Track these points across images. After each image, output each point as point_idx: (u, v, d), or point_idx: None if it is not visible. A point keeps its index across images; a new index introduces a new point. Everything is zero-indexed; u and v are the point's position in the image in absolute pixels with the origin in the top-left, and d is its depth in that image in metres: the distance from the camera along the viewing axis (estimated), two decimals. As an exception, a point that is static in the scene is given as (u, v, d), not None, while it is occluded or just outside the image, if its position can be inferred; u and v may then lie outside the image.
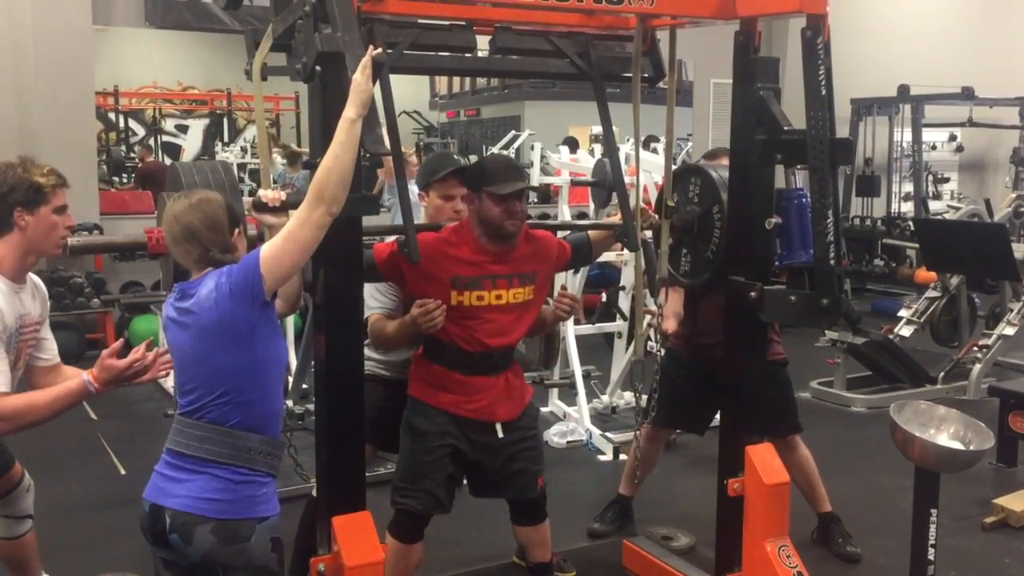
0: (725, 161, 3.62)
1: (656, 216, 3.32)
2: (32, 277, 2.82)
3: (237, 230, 2.38)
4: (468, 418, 2.98)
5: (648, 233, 3.35)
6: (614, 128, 3.28)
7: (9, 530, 3.09)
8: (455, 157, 3.28)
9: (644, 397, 3.61)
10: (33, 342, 2.80)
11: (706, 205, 3.23)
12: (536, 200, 10.94)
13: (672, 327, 3.69)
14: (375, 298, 3.08)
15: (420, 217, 3.28)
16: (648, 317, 3.86)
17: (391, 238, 3.01)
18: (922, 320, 6.85)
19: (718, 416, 3.50)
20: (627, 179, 3.75)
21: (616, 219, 3.32)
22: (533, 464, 3.11)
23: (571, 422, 5.43)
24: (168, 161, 14.02)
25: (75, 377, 2.61)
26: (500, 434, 3.00)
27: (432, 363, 3.01)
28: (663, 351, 3.66)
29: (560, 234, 3.30)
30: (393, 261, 2.90)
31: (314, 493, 3.21)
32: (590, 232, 3.36)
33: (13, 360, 2.67)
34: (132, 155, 13.56)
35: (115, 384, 2.55)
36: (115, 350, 2.55)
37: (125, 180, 12.16)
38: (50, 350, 2.90)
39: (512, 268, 2.98)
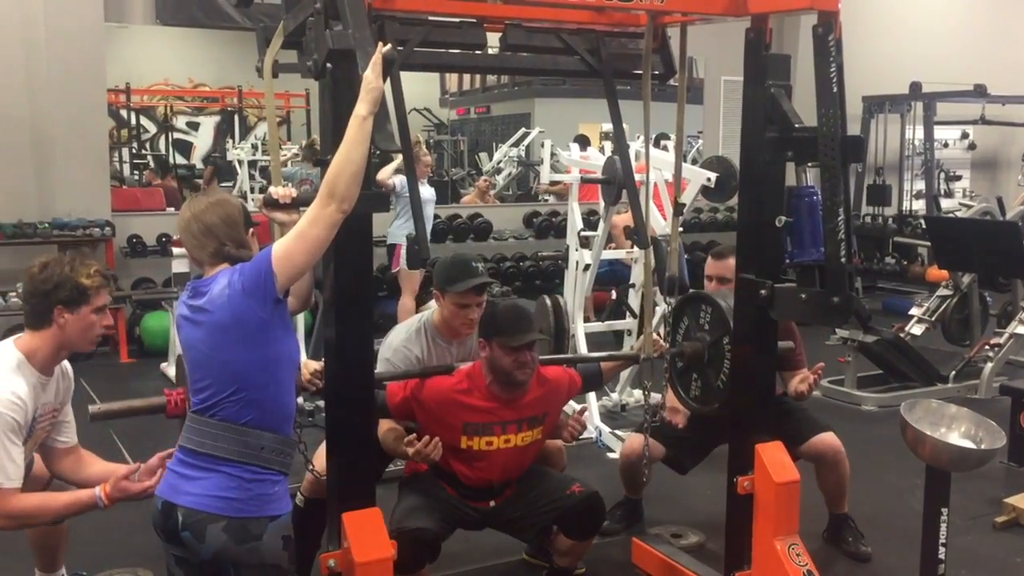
0: (733, 262, 3.58)
1: (667, 345, 3.39)
2: (62, 364, 2.87)
3: (252, 230, 2.41)
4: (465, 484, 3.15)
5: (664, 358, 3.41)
6: (624, 125, 3.28)
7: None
8: (475, 265, 3.26)
9: (655, 396, 3.61)
10: (49, 427, 2.86)
11: (716, 335, 3.27)
12: (548, 198, 10.96)
13: (682, 423, 3.72)
14: (389, 367, 3.16)
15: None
16: (656, 317, 3.86)
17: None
18: (933, 318, 6.82)
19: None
20: (637, 176, 3.75)
21: (620, 218, 3.34)
22: (555, 485, 3.21)
23: (585, 430, 5.42)
24: (180, 159, 14.08)
25: (89, 473, 2.81)
26: (492, 504, 3.18)
27: (435, 477, 3.14)
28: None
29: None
30: (406, 405, 3.02)
31: (298, 501, 3.22)
32: (602, 363, 3.48)
33: (28, 448, 2.73)
34: (144, 151, 13.60)
35: (124, 501, 2.67)
36: (130, 472, 2.64)
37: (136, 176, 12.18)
38: (68, 433, 2.96)
39: (522, 413, 3.09)
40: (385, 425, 3.05)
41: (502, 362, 2.99)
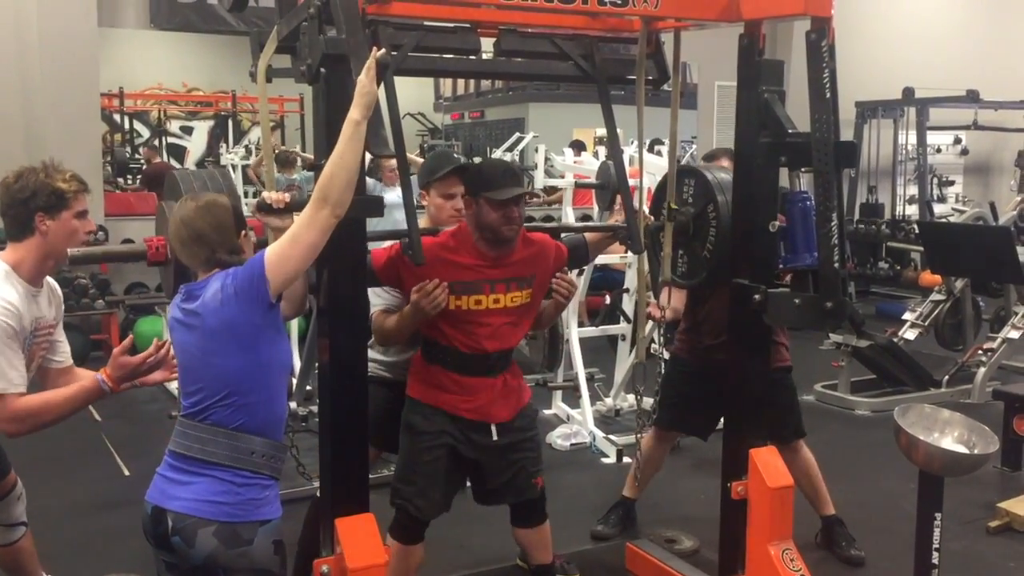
0: (725, 162, 3.63)
1: (652, 217, 3.33)
2: (49, 281, 2.83)
3: (244, 232, 2.39)
4: (464, 418, 3.01)
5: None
6: (618, 130, 3.28)
7: (2, 537, 3.09)
8: (454, 156, 3.28)
9: (647, 400, 3.61)
10: (47, 344, 2.82)
11: (700, 205, 3.24)
12: (542, 199, 10.96)
13: (669, 316, 3.64)
14: (377, 295, 3.08)
15: (421, 219, 3.28)
16: (649, 323, 3.85)
17: (388, 242, 3.01)
18: (926, 323, 6.84)
19: (722, 420, 3.50)
20: (631, 181, 3.75)
21: (613, 221, 3.32)
22: (531, 465, 3.12)
23: (574, 425, 5.43)
24: (174, 163, 14.07)
25: (89, 377, 2.64)
26: (495, 436, 3.02)
27: (430, 364, 3.04)
28: (667, 356, 3.65)
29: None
30: (392, 266, 2.91)
31: (319, 492, 3.22)
32: (586, 234, 3.37)
33: (27, 363, 2.67)
34: (137, 156, 13.59)
35: (129, 380, 2.59)
36: (125, 347, 2.59)
37: (130, 181, 12.19)
38: (63, 352, 2.92)
39: (510, 272, 3.00)
40: (375, 312, 3.01)
41: (489, 218, 2.90)
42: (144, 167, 11.91)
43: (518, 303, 3.03)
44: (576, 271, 5.55)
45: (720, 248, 3.17)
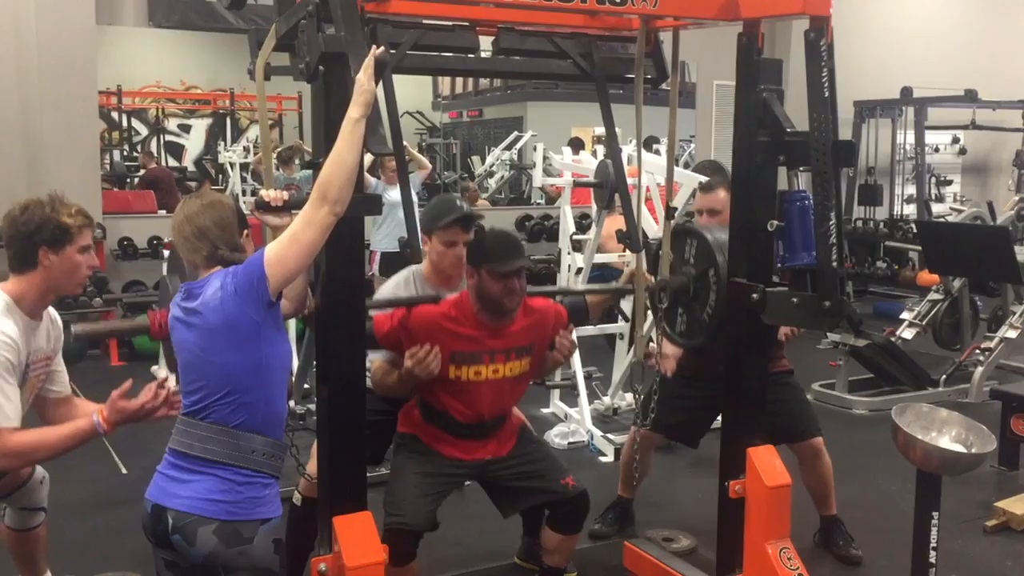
0: (722, 193, 3.64)
1: (652, 277, 3.37)
2: (49, 311, 2.84)
3: (246, 232, 2.41)
4: (461, 462, 3.11)
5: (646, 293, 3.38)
6: (617, 129, 3.28)
7: (22, 522, 3.09)
8: (458, 203, 3.28)
9: (641, 399, 3.61)
10: (43, 376, 2.84)
11: (701, 268, 3.25)
12: (542, 201, 10.97)
13: (671, 368, 3.67)
14: None
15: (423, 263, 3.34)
16: (647, 322, 3.85)
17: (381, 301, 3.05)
18: (924, 323, 6.84)
19: (718, 419, 3.50)
20: (629, 180, 3.75)
21: (613, 218, 3.33)
22: (550, 466, 3.18)
23: (572, 423, 5.43)
24: (172, 162, 14.05)
25: (85, 414, 2.65)
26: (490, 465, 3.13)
27: (425, 421, 3.11)
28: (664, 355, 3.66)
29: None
30: (393, 335, 2.97)
31: (295, 499, 3.22)
32: (588, 296, 3.45)
33: (24, 395, 2.70)
34: (136, 154, 13.57)
35: (124, 424, 2.60)
36: (124, 391, 2.59)
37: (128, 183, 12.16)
38: (61, 382, 2.93)
39: (510, 343, 3.05)
40: (376, 363, 3.03)
41: (491, 289, 2.93)
42: (143, 173, 11.87)
43: (517, 372, 3.10)
44: (575, 271, 5.56)
45: (720, 311, 3.19)
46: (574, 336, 3.37)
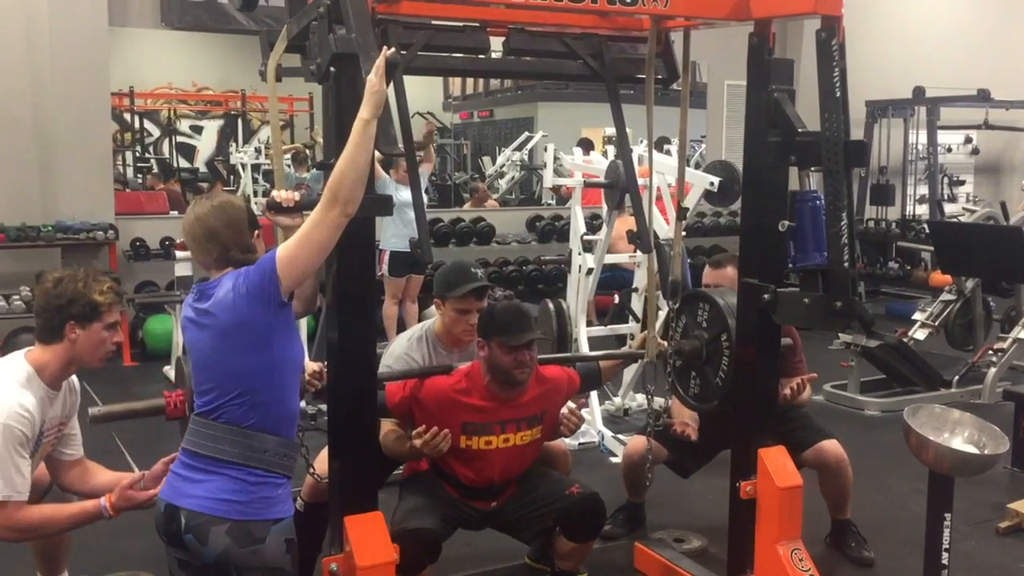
0: (730, 270, 3.67)
1: (664, 343, 3.39)
2: (69, 379, 2.87)
3: (256, 232, 2.41)
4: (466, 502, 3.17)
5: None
6: (627, 129, 3.28)
7: None
8: (473, 270, 3.30)
9: (657, 400, 3.61)
10: (55, 440, 2.87)
11: (714, 332, 3.25)
12: (553, 201, 10.97)
13: (694, 435, 3.70)
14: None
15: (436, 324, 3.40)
16: (659, 322, 3.85)
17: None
18: (937, 323, 6.81)
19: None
20: (640, 180, 3.75)
21: (623, 219, 3.33)
22: (554, 487, 3.21)
23: (583, 424, 5.42)
24: (183, 163, 14.10)
25: (96, 484, 2.81)
26: (493, 504, 3.19)
27: (436, 477, 3.16)
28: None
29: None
30: (405, 404, 3.02)
31: (297, 506, 3.22)
32: (601, 362, 3.49)
33: (35, 461, 2.73)
34: (147, 156, 13.63)
35: (129, 511, 2.69)
36: (134, 481, 2.67)
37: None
38: (74, 445, 2.97)
39: (521, 412, 3.10)
40: (386, 427, 3.06)
41: (501, 361, 2.98)
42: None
43: (528, 440, 3.14)
44: (585, 272, 5.56)
45: (732, 376, 3.19)
46: (583, 411, 3.43)
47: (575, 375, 3.34)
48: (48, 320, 2.69)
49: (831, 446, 3.72)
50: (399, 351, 3.28)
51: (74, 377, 2.91)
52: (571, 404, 3.38)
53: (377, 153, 2.30)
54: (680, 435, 3.68)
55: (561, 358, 3.57)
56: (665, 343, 3.40)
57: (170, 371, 6.45)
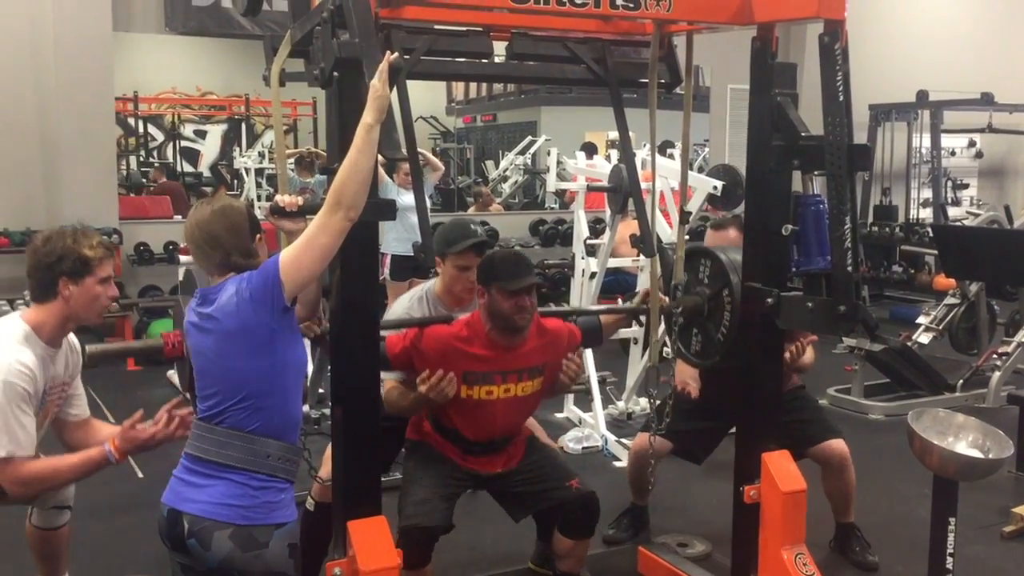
0: (732, 232, 3.67)
1: (666, 299, 3.36)
2: (69, 338, 2.87)
3: (258, 236, 2.41)
4: (469, 469, 3.14)
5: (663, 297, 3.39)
6: (630, 134, 3.28)
7: (49, 521, 3.12)
8: (472, 227, 3.30)
9: (656, 403, 3.60)
10: (60, 401, 2.87)
11: (716, 288, 3.25)
12: (556, 205, 10.97)
13: (695, 392, 3.71)
14: None
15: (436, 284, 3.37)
16: (662, 327, 3.84)
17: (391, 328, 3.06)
18: (941, 327, 6.80)
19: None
20: (643, 185, 3.75)
21: (626, 223, 3.33)
22: (555, 471, 3.19)
23: (586, 428, 5.42)
24: (187, 167, 14.13)
25: (101, 439, 2.72)
26: (500, 473, 3.15)
27: (437, 434, 3.14)
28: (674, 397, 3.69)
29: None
30: (406, 355, 2.99)
31: (308, 505, 3.23)
32: (602, 316, 3.44)
33: (40, 419, 2.73)
34: (152, 160, 13.66)
35: (136, 453, 2.66)
36: (136, 421, 2.64)
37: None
38: (79, 405, 2.97)
39: (522, 363, 3.07)
40: (389, 383, 3.04)
41: (501, 307, 2.95)
42: (152, 188, 11.96)
43: (528, 392, 3.11)
44: (588, 275, 5.56)
45: (734, 331, 3.18)
46: (583, 358, 3.38)
47: (576, 329, 3.30)
48: (40, 279, 2.68)
49: (837, 445, 3.72)
50: (400, 311, 3.27)
51: (74, 337, 2.90)
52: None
53: (380, 157, 2.30)
54: (681, 393, 3.66)
55: (561, 312, 3.52)
56: (666, 299, 3.37)
57: (174, 375, 6.46)
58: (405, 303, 3.32)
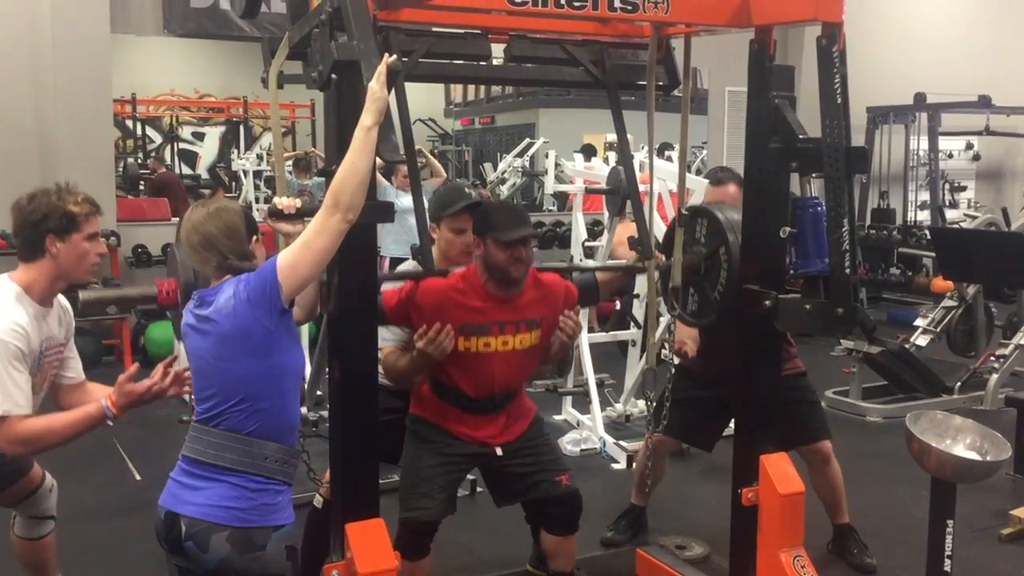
0: (732, 188, 3.65)
1: (662, 257, 3.35)
2: (59, 299, 2.85)
3: (255, 238, 2.41)
4: (471, 443, 3.07)
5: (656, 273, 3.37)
6: (629, 136, 3.28)
7: (31, 531, 3.11)
8: (467, 190, 3.29)
9: (654, 405, 3.61)
10: (57, 363, 2.85)
11: (712, 247, 3.24)
12: (554, 208, 10.98)
13: (692, 351, 3.69)
14: (389, 330, 3.11)
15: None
16: (662, 336, 3.86)
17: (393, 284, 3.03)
18: (938, 330, 6.81)
19: (731, 426, 3.49)
20: (641, 187, 3.76)
21: (624, 224, 3.33)
22: (550, 464, 3.15)
23: (584, 430, 5.42)
24: (185, 169, 14.14)
25: (96, 399, 2.66)
26: (499, 453, 3.08)
27: (437, 398, 3.09)
28: (676, 361, 3.66)
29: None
30: (402, 308, 2.95)
31: (316, 503, 3.23)
32: (597, 273, 3.40)
33: (38, 382, 2.71)
34: (148, 163, 13.66)
35: (133, 407, 2.61)
36: (131, 374, 2.60)
37: (141, 189, 12.25)
38: (75, 368, 2.94)
39: (519, 315, 3.03)
40: (387, 349, 3.02)
41: (497, 258, 2.93)
42: (152, 177, 11.98)
43: (527, 345, 3.07)
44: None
45: (730, 290, 3.17)
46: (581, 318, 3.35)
47: (573, 287, 3.27)
48: (27, 237, 2.66)
49: (824, 445, 3.73)
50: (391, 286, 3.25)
51: (64, 300, 2.88)
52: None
53: (379, 160, 2.30)
54: (678, 353, 3.66)
55: (556, 268, 3.50)
56: (663, 257, 3.36)
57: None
58: (402, 269, 3.30)
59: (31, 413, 2.60)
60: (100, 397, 2.67)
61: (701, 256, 3.26)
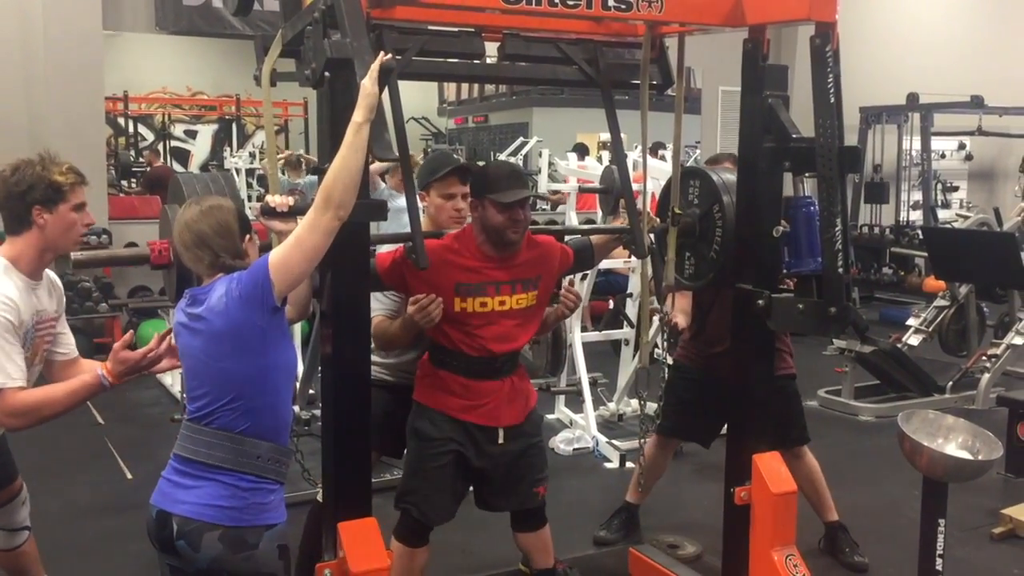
0: (728, 165, 3.65)
1: (658, 219, 3.33)
2: (49, 274, 2.82)
3: (248, 236, 2.39)
4: (471, 423, 3.00)
5: (651, 236, 3.35)
6: (622, 135, 3.28)
7: (6, 542, 3.09)
8: (454, 156, 3.28)
9: (650, 405, 3.61)
10: (50, 338, 2.82)
11: (706, 206, 3.23)
12: (547, 207, 10.97)
13: (683, 322, 3.69)
14: (378, 300, 3.09)
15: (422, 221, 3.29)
16: (656, 321, 3.85)
17: (392, 246, 3.01)
18: (930, 329, 6.83)
19: (725, 425, 3.50)
20: (635, 186, 3.76)
21: (618, 223, 3.32)
22: (535, 473, 3.13)
23: (577, 429, 5.42)
24: (177, 167, 14.10)
25: (90, 371, 2.62)
26: (501, 440, 3.03)
27: (437, 368, 3.03)
28: (670, 362, 3.66)
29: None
30: (396, 269, 2.91)
31: (319, 498, 3.22)
32: (592, 236, 3.37)
33: (31, 356, 2.68)
34: (141, 159, 13.62)
35: (129, 375, 2.57)
36: (126, 342, 2.57)
37: (133, 184, 12.23)
38: (67, 344, 2.91)
39: (515, 274, 3.00)
40: (377, 318, 3.00)
41: (494, 220, 2.90)
42: (146, 170, 11.94)
43: (524, 305, 3.03)
44: (580, 276, 5.56)
45: (727, 249, 3.17)
46: (577, 290, 3.33)
47: (568, 249, 3.25)
48: (12, 209, 2.63)
49: (799, 451, 3.74)
50: (385, 248, 3.23)
51: (54, 275, 2.86)
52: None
53: (377, 164, 2.29)
54: (671, 326, 3.68)
55: (550, 231, 3.48)
56: (658, 219, 3.34)
57: (164, 377, 6.44)
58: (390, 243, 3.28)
59: (26, 386, 2.57)
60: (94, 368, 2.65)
61: (696, 217, 3.26)
